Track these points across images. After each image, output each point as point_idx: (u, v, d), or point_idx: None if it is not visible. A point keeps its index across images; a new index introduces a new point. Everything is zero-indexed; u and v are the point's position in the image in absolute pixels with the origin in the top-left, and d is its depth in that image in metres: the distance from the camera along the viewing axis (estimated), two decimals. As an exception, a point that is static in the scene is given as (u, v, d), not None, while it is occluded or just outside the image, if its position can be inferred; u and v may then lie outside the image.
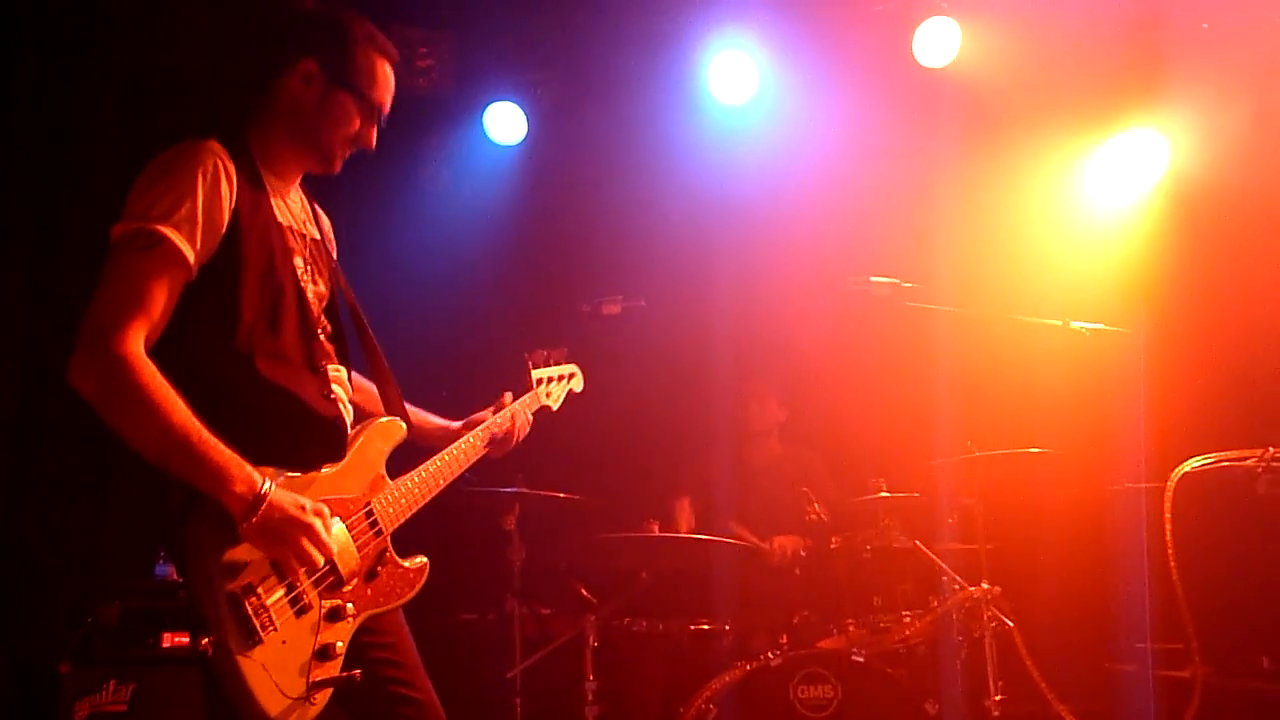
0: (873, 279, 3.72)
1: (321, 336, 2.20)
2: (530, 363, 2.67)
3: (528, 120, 4.82)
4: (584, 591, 3.51)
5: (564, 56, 4.75)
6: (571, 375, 2.79)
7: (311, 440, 2.08)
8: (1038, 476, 3.74)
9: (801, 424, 4.40)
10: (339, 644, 2.00)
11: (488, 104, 4.84)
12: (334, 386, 2.19)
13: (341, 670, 2.00)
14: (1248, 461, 3.08)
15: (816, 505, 3.54)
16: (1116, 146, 4.38)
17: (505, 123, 4.86)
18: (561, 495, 3.67)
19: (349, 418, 2.20)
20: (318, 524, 1.95)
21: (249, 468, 1.90)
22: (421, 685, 2.23)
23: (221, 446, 1.89)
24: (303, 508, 1.94)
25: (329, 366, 2.20)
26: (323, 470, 2.06)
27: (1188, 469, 3.17)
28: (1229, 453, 3.17)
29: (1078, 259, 4.35)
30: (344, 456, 2.12)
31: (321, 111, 2.16)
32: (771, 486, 4.10)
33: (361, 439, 2.17)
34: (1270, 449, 3.03)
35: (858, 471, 3.74)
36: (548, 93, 4.85)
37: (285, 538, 1.92)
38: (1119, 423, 3.91)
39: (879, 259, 3.89)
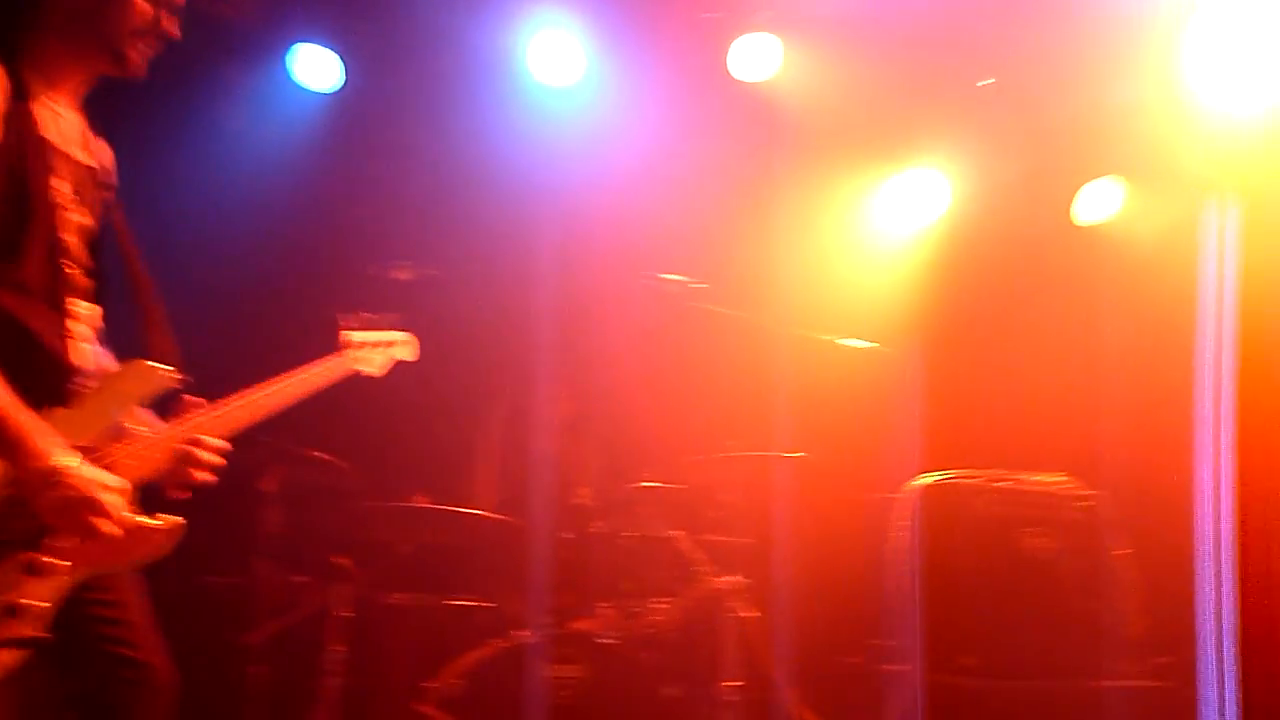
0: (662, 275, 3.85)
1: (74, 271, 2.05)
2: (344, 325, 2.59)
3: (344, 69, 4.63)
4: (341, 561, 3.44)
5: (385, 8, 4.61)
6: (394, 343, 2.72)
7: (37, 379, 1.92)
8: (799, 479, 3.98)
9: (585, 411, 4.49)
10: (35, 602, 1.86)
11: (296, 43, 4.60)
12: (75, 325, 2.04)
13: (47, 630, 1.88)
14: (974, 480, 3.44)
15: (585, 490, 3.64)
16: (906, 180, 4.72)
17: (315, 67, 4.63)
18: (324, 458, 3.58)
19: (88, 360, 2.06)
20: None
21: None
22: (148, 647, 2.11)
23: None
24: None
25: (76, 303, 2.05)
26: (47, 412, 1.92)
27: (923, 482, 3.50)
28: (961, 471, 3.52)
29: (861, 280, 4.66)
30: (78, 400, 1.99)
31: None
32: (548, 470, 4.16)
33: (106, 384, 2.04)
34: (994, 471, 3.40)
35: (635, 461, 3.86)
36: (364, 43, 4.68)
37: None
38: (878, 435, 4.23)
39: (678, 258, 4.02)
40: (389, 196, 4.62)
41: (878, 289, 4.55)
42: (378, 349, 2.65)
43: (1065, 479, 3.65)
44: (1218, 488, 2.43)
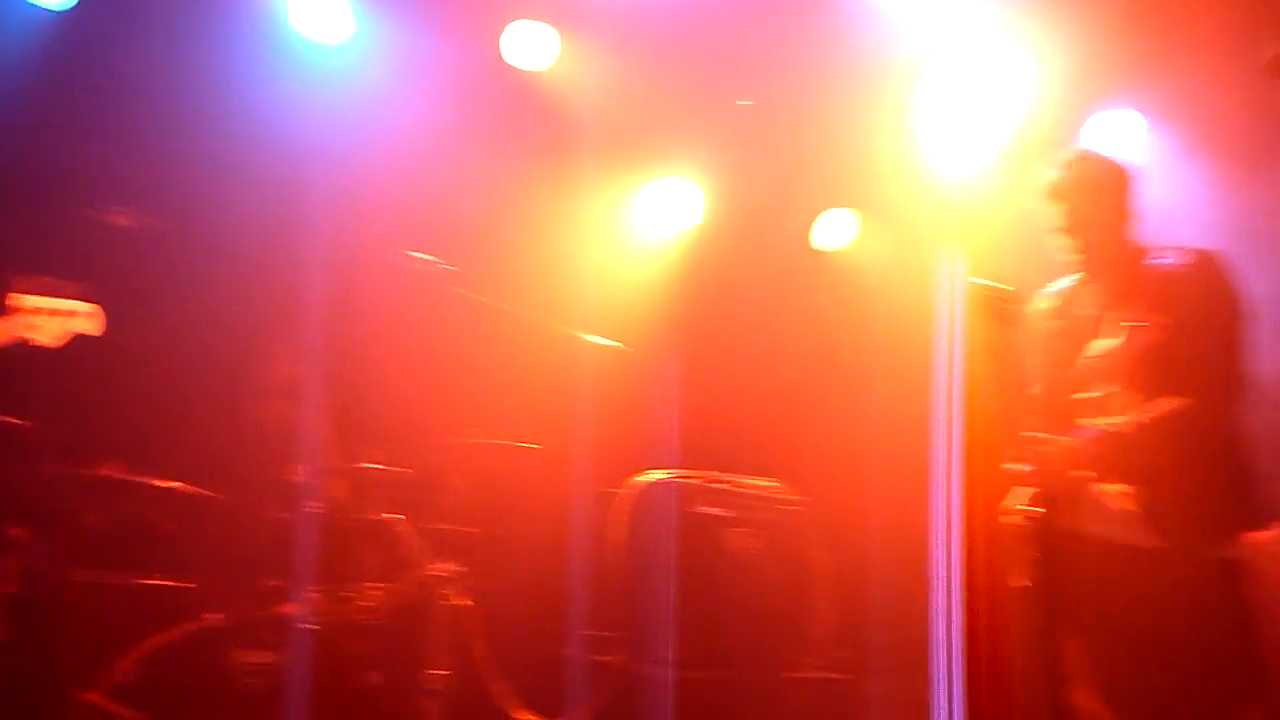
0: (411, 253, 3.74)
1: None
2: (17, 289, 2.29)
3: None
4: (14, 531, 3.07)
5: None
6: (74, 314, 2.43)
7: None
8: (532, 470, 3.98)
9: (307, 380, 4.26)
10: None
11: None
12: None
13: None
14: (692, 480, 3.57)
15: (300, 466, 3.45)
16: (664, 186, 4.84)
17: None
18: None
19: None
20: None
21: None
22: None
23: None
24: None
25: None
26: None
27: (644, 480, 3.59)
28: (682, 470, 3.65)
29: (613, 280, 4.73)
30: None
31: None
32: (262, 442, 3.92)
33: None
34: (709, 472, 3.54)
35: (362, 440, 3.71)
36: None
37: None
38: (616, 432, 4.30)
39: (433, 237, 3.90)
40: (114, 135, 4.19)
41: (628, 290, 4.63)
42: (54, 318, 2.38)
43: (776, 484, 3.86)
44: (949, 508, 2.64)
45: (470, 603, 3.38)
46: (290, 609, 3.23)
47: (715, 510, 3.59)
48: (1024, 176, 4.44)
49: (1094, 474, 2.55)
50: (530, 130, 4.69)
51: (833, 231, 4.98)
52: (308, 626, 3.13)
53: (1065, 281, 2.81)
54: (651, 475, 3.58)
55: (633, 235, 4.89)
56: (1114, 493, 2.52)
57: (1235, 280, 2.56)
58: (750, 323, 4.85)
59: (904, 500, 4.41)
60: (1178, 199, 4.56)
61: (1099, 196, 2.66)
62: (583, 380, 4.12)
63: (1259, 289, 3.83)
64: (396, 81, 4.48)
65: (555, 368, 4.05)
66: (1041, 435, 2.56)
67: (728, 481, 3.69)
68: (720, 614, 3.43)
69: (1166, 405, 2.45)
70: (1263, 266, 4.40)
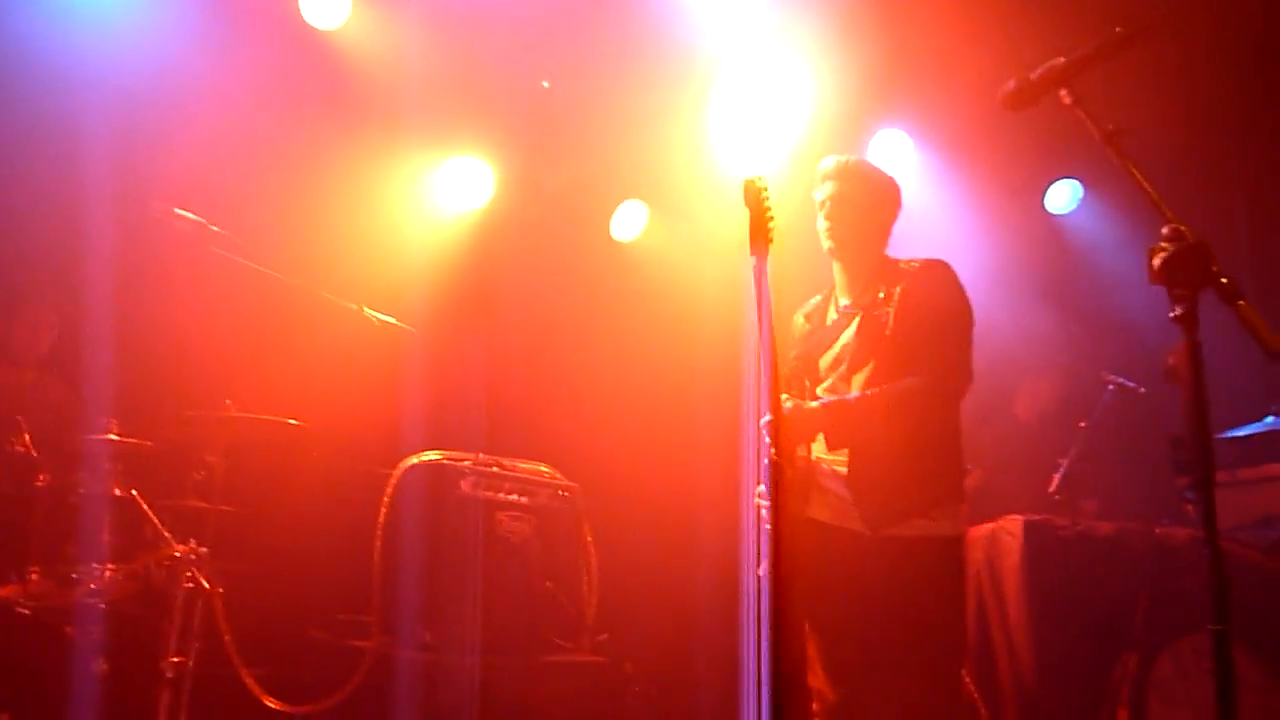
0: (177, 210, 3.47)
1: None
2: None
3: None
4: None
5: None
6: None
7: None
8: (296, 448, 3.78)
9: (66, 348, 3.89)
10: None
11: None
12: None
13: None
14: (462, 462, 3.50)
15: (26, 436, 3.13)
16: (455, 164, 4.71)
17: None
18: None
19: None
20: None
21: None
22: None
23: None
24: None
25: None
26: None
27: (412, 461, 3.49)
28: (453, 452, 3.57)
29: (398, 256, 4.57)
30: None
31: None
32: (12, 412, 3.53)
33: None
34: (480, 455, 3.48)
35: (101, 409, 3.39)
36: None
37: None
38: (390, 410, 4.15)
39: (211, 198, 3.63)
40: None
41: (415, 267, 4.49)
42: None
43: (548, 469, 3.85)
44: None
45: (219, 586, 3.17)
46: (6, 592, 2.92)
47: (484, 493, 3.54)
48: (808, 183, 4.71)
49: (817, 440, 2.71)
50: (324, 95, 4.46)
51: (628, 222, 5.02)
52: (22, 610, 2.84)
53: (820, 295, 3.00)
54: (420, 456, 3.48)
55: (423, 212, 4.74)
56: (833, 471, 2.69)
57: (959, 285, 2.76)
58: (539, 308, 4.82)
59: (680, 488, 4.55)
60: (935, 212, 4.93)
61: (860, 192, 2.84)
62: (358, 357, 3.95)
63: (996, 295, 4.21)
64: (182, 26, 4.14)
65: (329, 342, 3.87)
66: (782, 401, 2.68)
67: (499, 464, 3.65)
68: (485, 597, 3.38)
69: (894, 385, 2.63)
70: (1002, 279, 4.85)
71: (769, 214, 2.45)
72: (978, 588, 4.17)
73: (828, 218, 2.86)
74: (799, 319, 2.98)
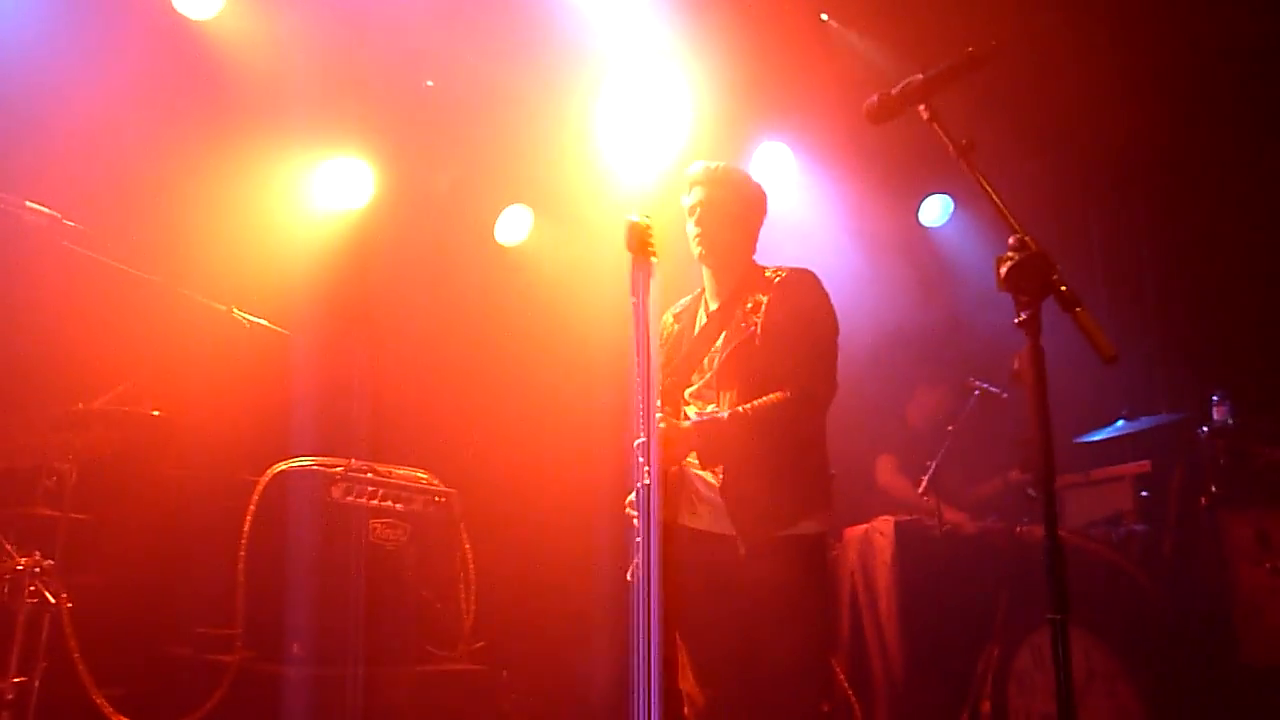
0: (28, 204, 3.26)
1: None
2: None
3: None
4: None
5: None
6: None
7: None
8: (155, 451, 3.59)
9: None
10: None
11: None
12: None
13: None
14: (334, 469, 3.39)
15: None
16: (333, 164, 4.57)
17: None
18: None
19: None
20: None
21: None
22: None
23: None
24: None
25: None
26: None
27: (283, 467, 3.36)
28: (324, 458, 3.45)
29: (270, 255, 4.40)
30: None
31: None
32: None
33: None
34: (353, 461, 3.37)
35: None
36: None
37: None
38: (261, 414, 3.99)
39: (72, 193, 3.42)
40: None
41: (289, 268, 4.33)
42: None
43: (424, 475, 3.77)
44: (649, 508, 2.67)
45: (64, 600, 2.97)
46: None
47: (357, 500, 3.43)
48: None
49: (693, 458, 2.73)
50: (196, 88, 4.26)
51: (513, 226, 4.97)
52: None
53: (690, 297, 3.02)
54: (289, 463, 3.35)
55: (301, 211, 4.58)
56: (706, 480, 2.71)
57: (825, 294, 2.81)
58: (422, 311, 4.72)
59: (566, 495, 4.51)
60: (814, 223, 5.04)
61: (728, 199, 2.88)
62: (226, 360, 3.79)
63: (865, 304, 4.32)
64: (41, 13, 3.90)
65: (194, 345, 3.69)
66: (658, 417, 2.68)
67: (373, 470, 3.54)
68: (357, 607, 3.27)
69: (763, 399, 2.66)
70: (873, 287, 4.99)
71: (653, 254, 2.44)
72: (852, 586, 4.27)
73: (697, 224, 2.88)
74: (668, 318, 3.00)
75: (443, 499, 3.70)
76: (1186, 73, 4.34)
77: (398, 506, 3.53)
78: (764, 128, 4.96)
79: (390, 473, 3.62)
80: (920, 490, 4.12)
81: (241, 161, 4.32)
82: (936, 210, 5.43)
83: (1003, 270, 1.89)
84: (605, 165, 4.66)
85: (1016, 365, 1.77)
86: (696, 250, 2.89)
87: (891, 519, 4.01)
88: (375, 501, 3.47)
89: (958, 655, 4.04)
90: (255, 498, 3.26)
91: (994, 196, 1.99)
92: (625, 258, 4.72)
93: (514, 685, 3.50)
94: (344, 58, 4.33)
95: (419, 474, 3.75)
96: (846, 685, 3.90)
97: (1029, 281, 1.86)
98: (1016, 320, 1.88)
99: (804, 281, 2.80)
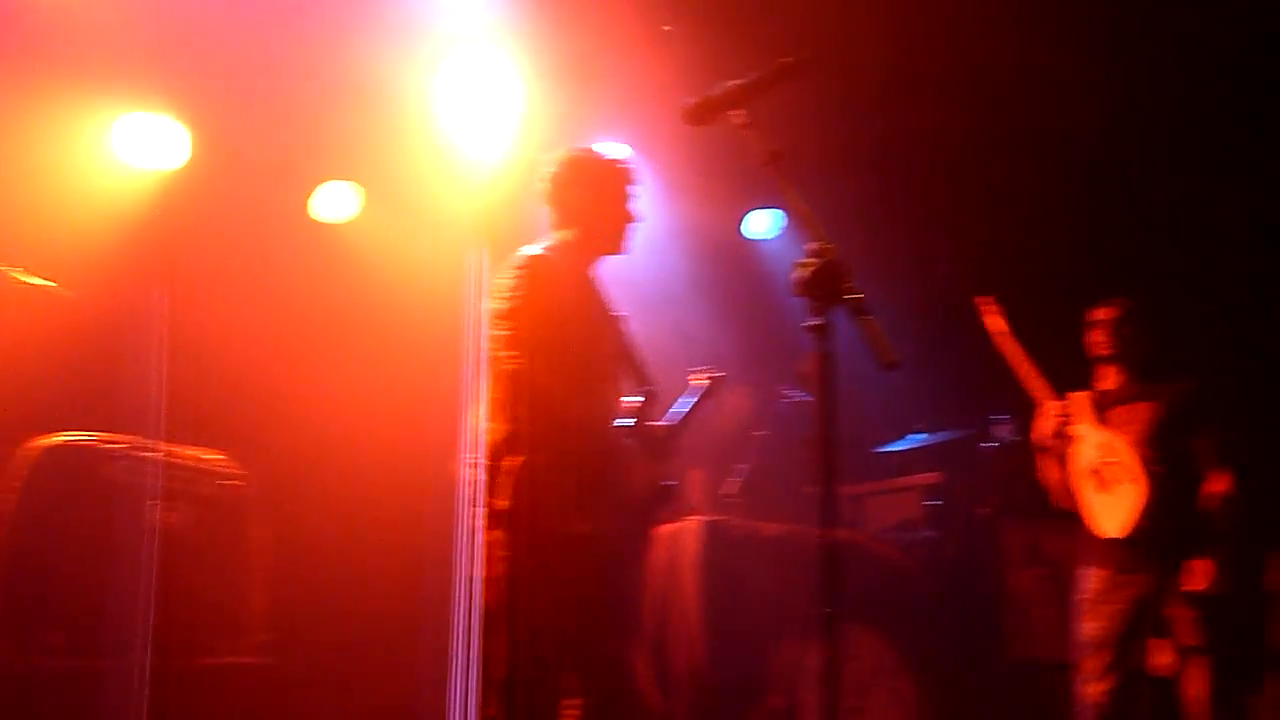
0: None
1: None
2: None
3: None
4: None
5: None
6: None
7: None
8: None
9: None
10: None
11: None
12: None
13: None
14: (114, 445, 3.12)
15: None
16: (144, 121, 4.23)
17: None
18: None
19: None
20: None
21: None
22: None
23: None
24: None
25: None
26: None
27: (53, 441, 3.06)
28: (103, 434, 3.18)
29: (72, 215, 4.03)
30: None
31: None
32: None
33: None
34: (137, 438, 3.11)
35: None
36: None
37: None
38: (49, 384, 3.64)
39: None
40: None
41: (86, 228, 3.97)
42: None
43: (220, 456, 3.53)
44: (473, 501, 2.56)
45: None
46: None
47: (137, 480, 3.17)
48: (528, 182, 4.67)
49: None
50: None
51: (336, 202, 4.74)
52: None
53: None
54: (61, 436, 3.05)
55: (102, 170, 4.21)
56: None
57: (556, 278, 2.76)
58: (233, 284, 4.42)
59: (381, 486, 4.34)
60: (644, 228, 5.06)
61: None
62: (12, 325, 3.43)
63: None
64: None
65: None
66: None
67: (159, 450, 3.28)
68: (133, 595, 3.02)
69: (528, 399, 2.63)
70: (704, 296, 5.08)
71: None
72: (660, 584, 4.31)
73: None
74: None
75: (236, 483, 3.48)
76: (989, 92, 4.59)
77: (184, 488, 3.29)
78: (602, 125, 4.94)
79: (178, 453, 3.37)
80: (730, 493, 4.20)
81: (35, 112, 3.93)
82: (765, 223, 5.55)
83: (800, 275, 1.93)
84: (443, 148, 4.52)
85: (805, 369, 1.82)
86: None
87: (700, 518, 4.07)
88: (158, 483, 3.21)
89: (757, 652, 4.15)
90: (20, 473, 2.95)
91: (798, 204, 2.03)
92: (458, 240, 4.62)
93: (306, 680, 3.32)
94: (162, 5, 4.02)
95: (212, 456, 3.51)
96: (652, 681, 3.93)
97: (822, 288, 1.91)
98: (806, 325, 1.92)
99: (528, 268, 2.76)
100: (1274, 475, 4.02)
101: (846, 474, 4.94)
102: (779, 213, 5.52)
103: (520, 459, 2.63)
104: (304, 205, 4.67)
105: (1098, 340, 3.66)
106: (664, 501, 2.83)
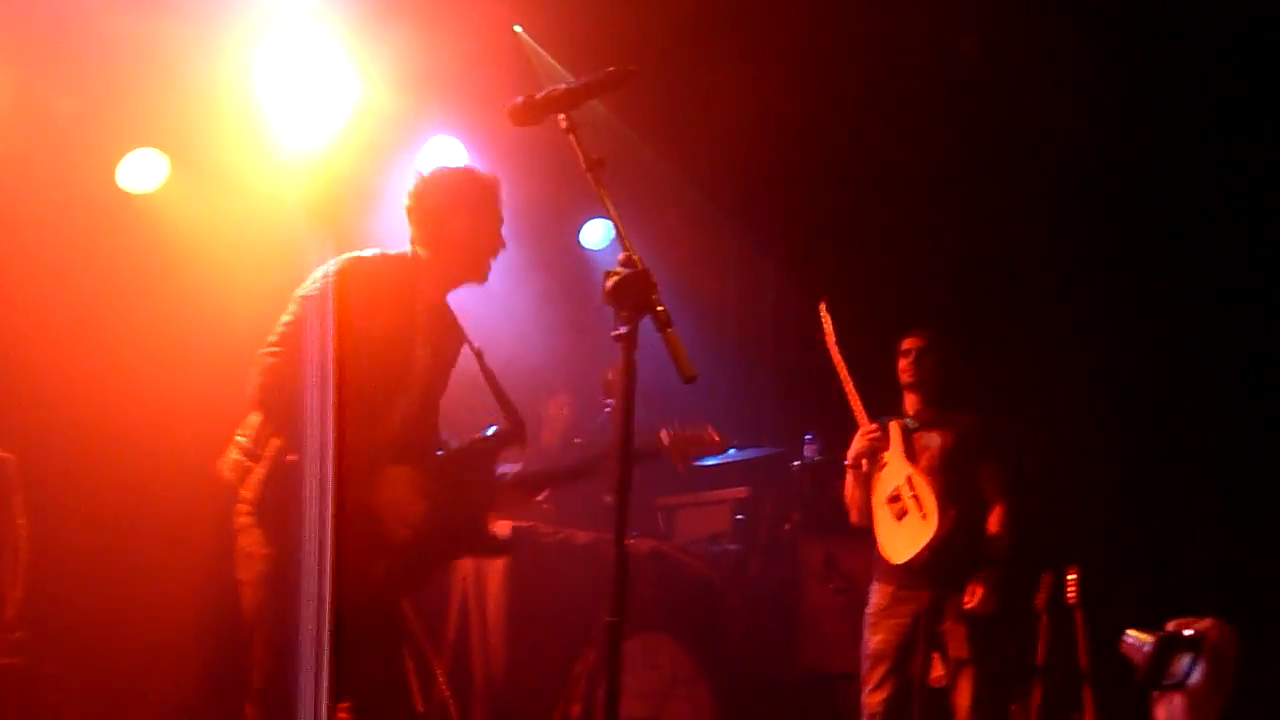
0: None
1: None
2: None
3: None
4: None
5: None
6: None
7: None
8: None
9: None
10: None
11: None
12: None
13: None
14: None
15: None
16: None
17: None
18: None
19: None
20: None
21: None
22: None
23: None
24: None
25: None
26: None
27: None
28: None
29: None
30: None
31: None
32: None
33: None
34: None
35: None
36: None
37: None
38: None
39: None
40: None
41: None
42: None
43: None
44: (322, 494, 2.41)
45: None
46: None
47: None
48: (359, 166, 4.48)
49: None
50: None
51: (142, 172, 4.40)
52: None
53: None
54: None
55: None
56: None
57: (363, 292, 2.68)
58: (21, 249, 4.03)
59: (165, 475, 4.02)
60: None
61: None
62: None
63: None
64: None
65: None
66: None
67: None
68: None
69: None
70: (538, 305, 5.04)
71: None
72: (463, 588, 4.23)
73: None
74: None
75: (-4, 466, 3.16)
76: (826, 108, 4.76)
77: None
78: (440, 121, 4.83)
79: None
80: (541, 499, 4.17)
81: None
82: (599, 233, 5.57)
83: (608, 284, 1.93)
84: (260, 124, 4.28)
85: (611, 376, 1.83)
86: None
87: (509, 523, 4.02)
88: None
89: (558, 660, 4.13)
90: None
91: (612, 213, 2.03)
92: (273, 220, 4.38)
93: (64, 680, 3.04)
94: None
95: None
96: (444, 685, 3.84)
97: (630, 298, 1.92)
98: (614, 334, 1.92)
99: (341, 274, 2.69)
100: (1048, 501, 4.39)
101: (661, 485, 5.01)
102: (610, 224, 5.53)
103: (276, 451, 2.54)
104: (111, 173, 4.31)
105: (903, 368, 3.88)
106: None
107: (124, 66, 4.05)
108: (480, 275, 2.80)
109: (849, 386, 3.82)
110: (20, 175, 3.97)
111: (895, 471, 3.79)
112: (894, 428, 3.84)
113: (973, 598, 3.64)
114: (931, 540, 3.62)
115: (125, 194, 4.37)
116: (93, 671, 3.42)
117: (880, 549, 3.80)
